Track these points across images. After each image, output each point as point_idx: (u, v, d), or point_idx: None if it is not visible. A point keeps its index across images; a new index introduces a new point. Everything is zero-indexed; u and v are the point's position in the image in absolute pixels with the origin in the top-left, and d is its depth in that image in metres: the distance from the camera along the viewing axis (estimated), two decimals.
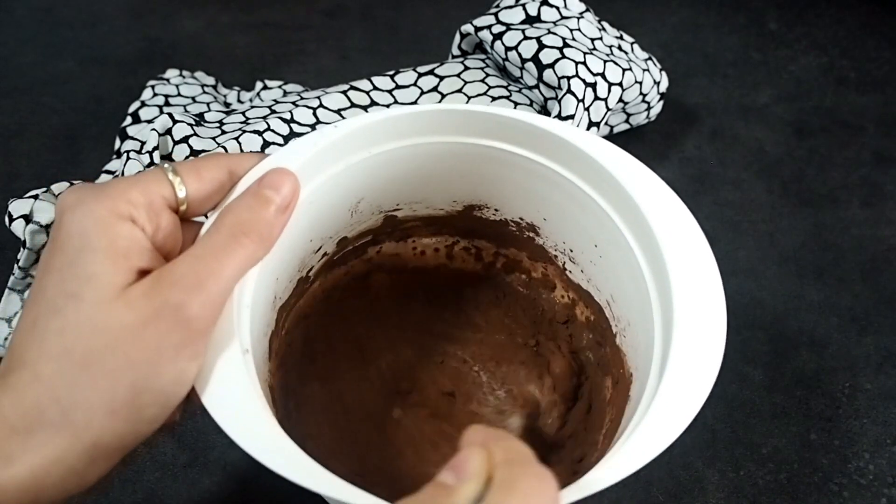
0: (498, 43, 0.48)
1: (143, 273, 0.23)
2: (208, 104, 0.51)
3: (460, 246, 0.39)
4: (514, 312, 0.39)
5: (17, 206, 0.42)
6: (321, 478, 0.21)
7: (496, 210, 0.36)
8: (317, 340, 0.36)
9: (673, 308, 0.26)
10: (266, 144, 0.42)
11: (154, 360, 0.22)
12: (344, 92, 0.47)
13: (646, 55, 0.52)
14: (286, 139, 0.43)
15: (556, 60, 0.45)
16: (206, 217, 0.27)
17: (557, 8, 0.50)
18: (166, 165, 0.26)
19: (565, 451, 0.34)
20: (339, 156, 0.31)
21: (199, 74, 0.55)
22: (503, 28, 0.49)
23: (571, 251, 0.35)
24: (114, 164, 0.49)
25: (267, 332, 0.31)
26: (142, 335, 0.22)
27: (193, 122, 0.44)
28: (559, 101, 0.45)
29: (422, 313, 0.39)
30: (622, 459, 0.23)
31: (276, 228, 0.27)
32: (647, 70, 0.50)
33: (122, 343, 0.22)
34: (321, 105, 0.46)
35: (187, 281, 0.23)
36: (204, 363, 0.24)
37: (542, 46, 0.46)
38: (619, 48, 0.50)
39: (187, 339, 0.23)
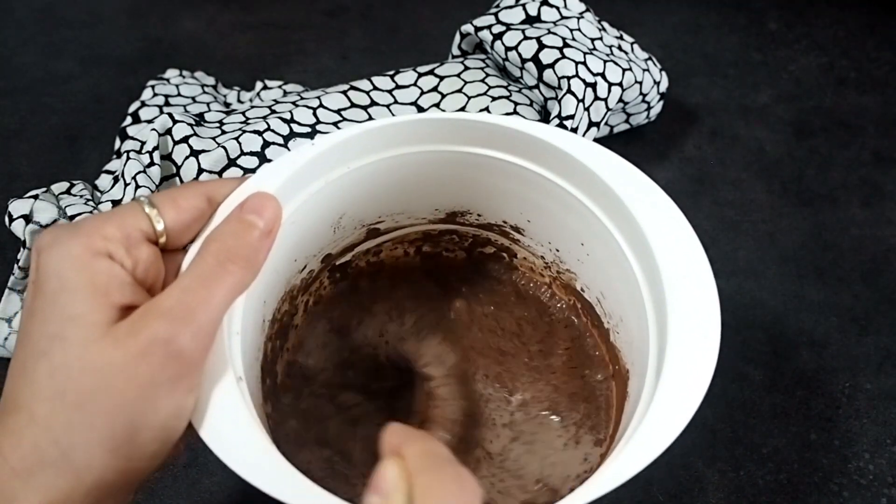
0: (498, 43, 0.48)
1: (127, 309, 0.23)
2: (208, 104, 0.51)
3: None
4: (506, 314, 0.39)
5: (17, 206, 0.42)
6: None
7: (479, 215, 0.36)
8: (312, 359, 0.36)
9: (665, 302, 0.26)
10: (266, 144, 0.42)
11: (150, 397, 0.22)
12: (344, 92, 0.47)
13: (646, 55, 0.52)
14: (286, 139, 0.43)
15: (556, 60, 0.45)
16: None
17: (557, 8, 0.50)
18: (142, 198, 0.25)
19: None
20: (319, 173, 0.30)
21: (199, 74, 0.55)
22: (503, 28, 0.49)
23: (558, 251, 0.35)
24: (114, 164, 0.49)
25: (258, 356, 0.31)
26: (133, 373, 0.22)
27: (193, 122, 0.44)
28: (559, 101, 0.45)
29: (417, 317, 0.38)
30: (628, 458, 0.23)
31: (262, 253, 0.26)
32: (647, 70, 0.50)
33: (115, 381, 0.21)
34: (321, 105, 0.46)
35: (176, 313, 0.22)
36: (199, 395, 0.23)
37: (542, 46, 0.46)
38: (619, 48, 0.50)
39: (181, 372, 0.22)
